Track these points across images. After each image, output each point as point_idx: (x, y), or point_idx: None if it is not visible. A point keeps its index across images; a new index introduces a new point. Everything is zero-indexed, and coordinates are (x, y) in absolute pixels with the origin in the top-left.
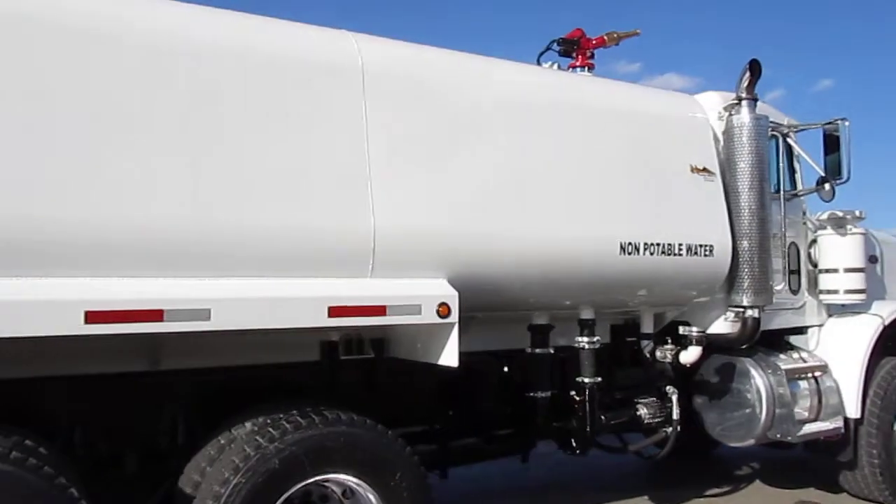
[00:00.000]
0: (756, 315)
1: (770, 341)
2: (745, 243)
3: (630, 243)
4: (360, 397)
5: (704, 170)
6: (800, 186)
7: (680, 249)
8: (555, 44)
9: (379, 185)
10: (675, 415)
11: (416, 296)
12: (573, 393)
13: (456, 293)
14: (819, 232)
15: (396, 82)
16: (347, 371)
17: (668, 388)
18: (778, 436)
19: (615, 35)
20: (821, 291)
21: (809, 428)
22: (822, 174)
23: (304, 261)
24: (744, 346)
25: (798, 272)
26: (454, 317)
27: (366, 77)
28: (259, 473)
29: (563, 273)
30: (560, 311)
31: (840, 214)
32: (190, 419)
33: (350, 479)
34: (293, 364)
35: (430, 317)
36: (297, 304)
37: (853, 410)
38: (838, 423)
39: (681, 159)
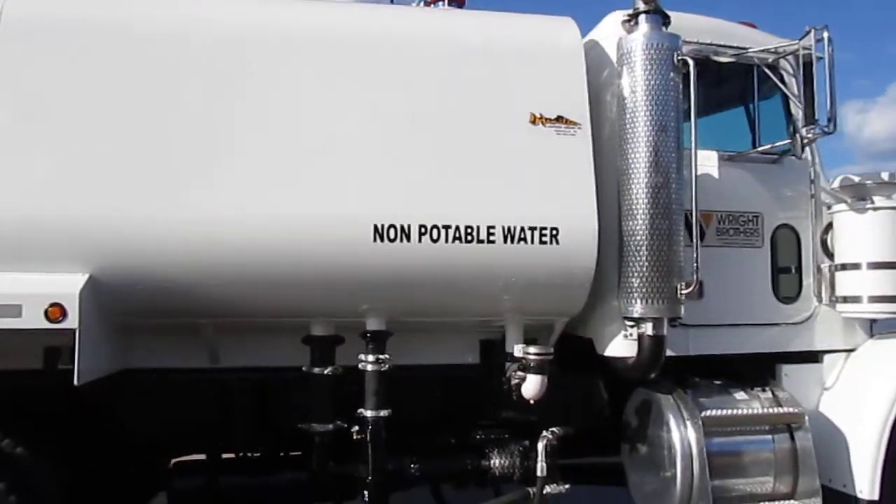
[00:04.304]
0: (652, 332)
1: (748, 372)
2: (630, 225)
3: (392, 226)
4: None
5: (559, 119)
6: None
7: (491, 234)
8: None
9: None
10: (541, 470)
11: (14, 294)
12: (354, 429)
13: (76, 292)
14: (835, 209)
15: (39, 29)
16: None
17: (546, 431)
18: None
19: None
20: (837, 299)
21: None
22: (799, 119)
23: None
24: (649, 376)
25: (798, 269)
26: (72, 321)
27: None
28: None
29: (279, 268)
30: (343, 319)
31: (855, 180)
32: None
33: None
34: None
35: (33, 320)
36: None
37: (866, 487)
38: None
39: (513, 106)
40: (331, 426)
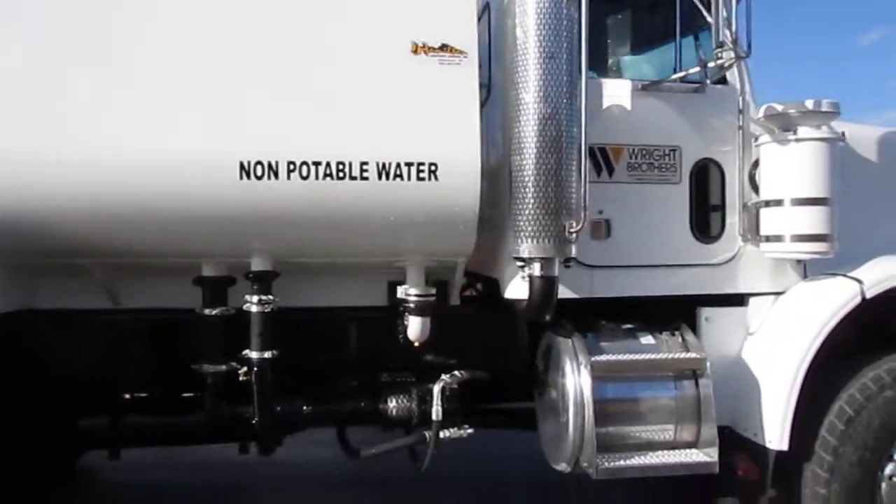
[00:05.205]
0: (541, 272)
1: (664, 316)
2: (517, 160)
3: (259, 162)
4: None
5: (443, 48)
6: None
7: (364, 170)
8: None
9: None
10: (437, 414)
11: None
12: (241, 371)
13: None
14: (761, 141)
15: None
16: None
17: (446, 374)
18: (585, 465)
19: None
20: (761, 238)
21: (648, 459)
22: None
23: None
24: (543, 319)
25: (721, 207)
26: None
27: None
28: None
29: (146, 207)
30: (232, 259)
31: (779, 109)
32: None
33: None
34: None
35: None
36: None
37: (775, 438)
38: (711, 454)
39: (393, 34)
40: (223, 367)
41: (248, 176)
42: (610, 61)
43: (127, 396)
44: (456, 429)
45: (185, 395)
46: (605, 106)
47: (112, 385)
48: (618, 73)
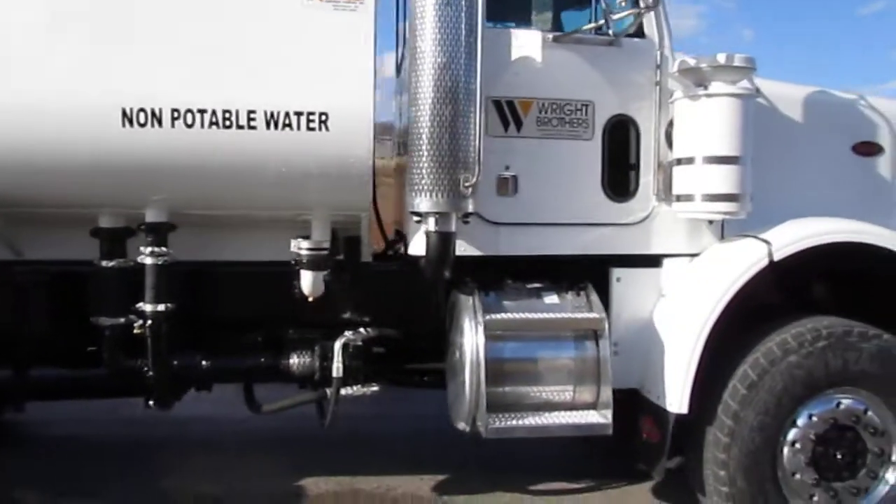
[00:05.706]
0: (436, 228)
1: (573, 276)
2: (413, 112)
3: (142, 109)
4: None
5: None
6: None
7: (252, 119)
8: None
9: None
10: (337, 371)
11: None
12: (136, 324)
13: None
14: (675, 97)
15: None
16: None
17: (350, 331)
18: (479, 424)
19: None
20: (673, 198)
21: (540, 420)
22: None
23: None
24: (440, 276)
25: (636, 165)
26: None
27: None
28: None
29: (29, 156)
30: (129, 211)
31: (692, 63)
32: None
33: None
34: None
35: None
36: None
37: (675, 401)
38: (606, 416)
39: None
40: (121, 320)
41: (131, 123)
42: (535, 14)
43: (31, 350)
44: (360, 386)
45: (90, 348)
46: (513, 57)
47: (14, 338)
48: (546, 26)
